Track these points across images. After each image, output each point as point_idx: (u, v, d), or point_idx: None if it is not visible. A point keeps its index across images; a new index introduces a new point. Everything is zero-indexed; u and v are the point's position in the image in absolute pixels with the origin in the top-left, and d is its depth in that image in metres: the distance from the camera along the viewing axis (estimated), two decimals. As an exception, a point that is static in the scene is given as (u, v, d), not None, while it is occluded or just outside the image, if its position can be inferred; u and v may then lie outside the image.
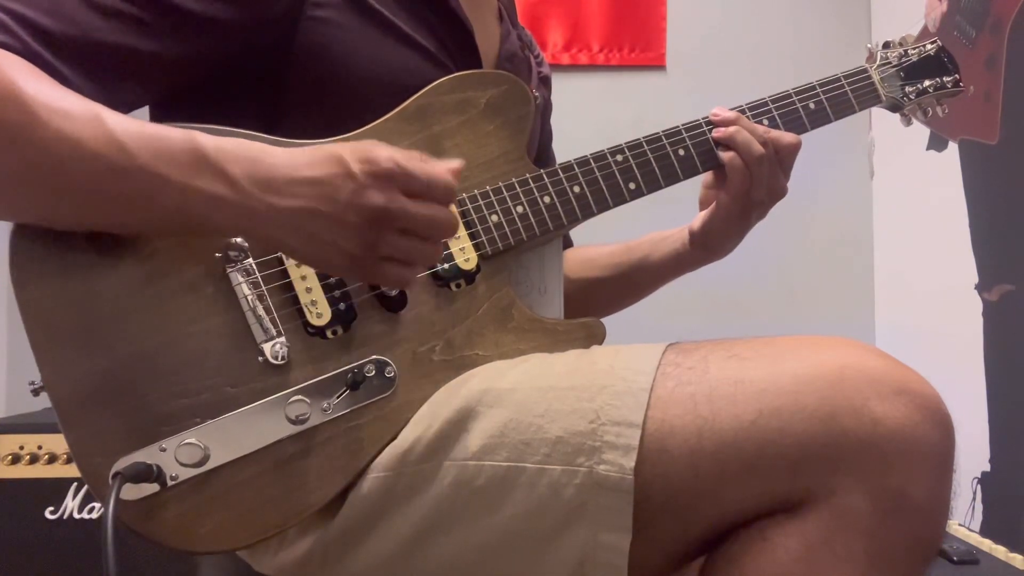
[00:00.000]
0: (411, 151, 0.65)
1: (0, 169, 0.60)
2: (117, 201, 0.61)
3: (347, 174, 0.62)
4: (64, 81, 0.64)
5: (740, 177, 0.85)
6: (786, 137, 0.86)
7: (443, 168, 0.65)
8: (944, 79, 0.97)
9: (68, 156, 0.59)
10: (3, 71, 0.59)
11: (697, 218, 0.93)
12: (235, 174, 0.62)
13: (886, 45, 0.98)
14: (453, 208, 0.70)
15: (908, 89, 0.96)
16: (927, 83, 0.96)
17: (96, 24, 0.66)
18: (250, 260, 0.68)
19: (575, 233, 1.04)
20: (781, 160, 0.86)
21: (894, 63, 0.96)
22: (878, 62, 0.96)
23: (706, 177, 0.92)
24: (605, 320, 0.82)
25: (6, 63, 0.60)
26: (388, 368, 0.71)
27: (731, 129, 0.85)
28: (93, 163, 0.60)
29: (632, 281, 1.01)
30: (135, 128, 0.61)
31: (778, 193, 0.88)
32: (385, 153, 0.63)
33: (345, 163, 0.62)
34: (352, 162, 0.62)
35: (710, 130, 0.86)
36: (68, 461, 1.56)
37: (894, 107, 0.97)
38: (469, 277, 0.77)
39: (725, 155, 0.85)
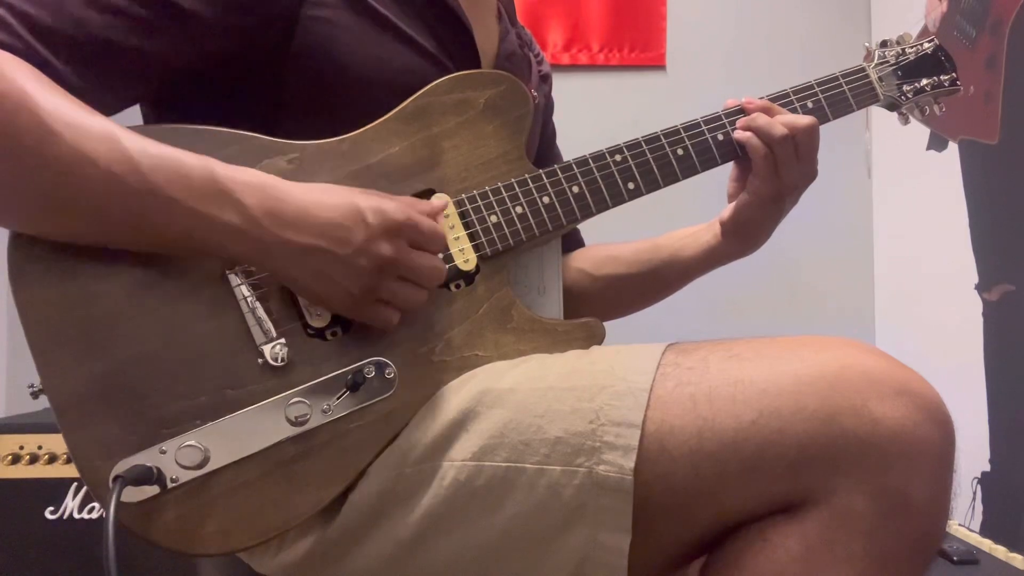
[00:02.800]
0: (409, 198, 0.71)
1: (12, 183, 0.60)
2: (127, 222, 0.62)
3: (363, 222, 0.66)
4: (62, 78, 0.64)
5: (764, 159, 0.85)
6: (802, 119, 0.86)
7: (434, 209, 0.72)
8: (941, 78, 0.97)
9: (82, 174, 0.60)
10: (14, 81, 0.59)
11: (727, 209, 0.92)
12: (249, 205, 0.64)
13: (884, 44, 0.98)
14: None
15: (906, 88, 0.95)
16: (924, 82, 0.96)
17: (95, 22, 0.66)
18: (249, 262, 0.68)
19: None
20: (800, 142, 0.86)
21: (891, 62, 0.95)
22: (876, 61, 0.95)
23: (732, 170, 0.93)
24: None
25: (15, 71, 0.60)
26: (388, 369, 0.71)
27: (750, 117, 0.86)
28: (106, 182, 0.60)
29: (660, 277, 1.00)
30: (151, 150, 0.62)
31: (810, 176, 0.88)
32: (397, 207, 0.68)
33: (361, 212, 0.66)
34: (367, 211, 0.66)
35: (708, 129, 0.87)
36: (68, 461, 1.55)
37: (892, 106, 0.97)
38: (468, 278, 0.77)
39: (743, 136, 0.85)
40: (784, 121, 0.85)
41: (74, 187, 0.60)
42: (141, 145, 0.62)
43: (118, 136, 0.61)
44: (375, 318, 0.69)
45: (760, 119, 0.85)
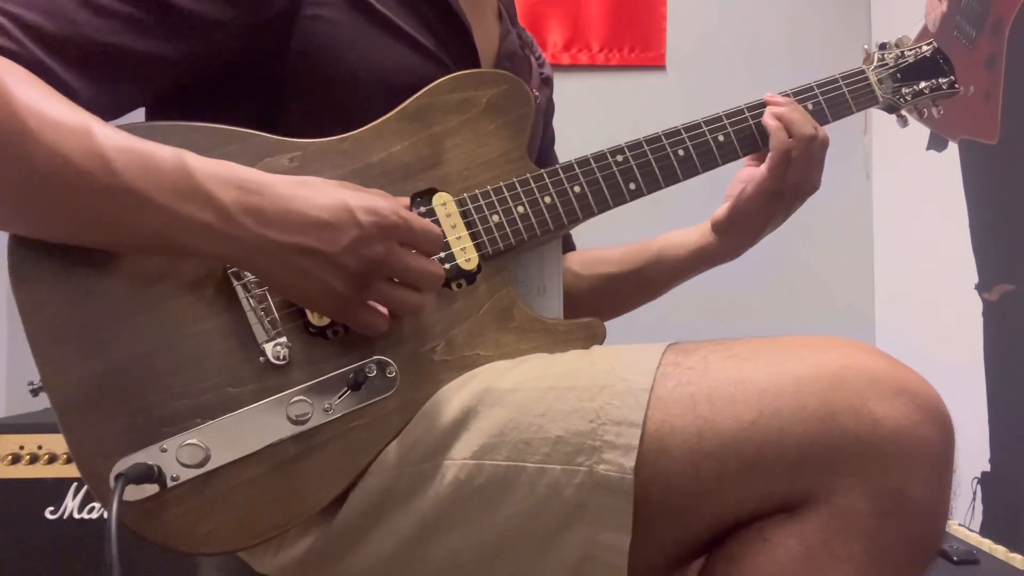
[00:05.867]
0: (403, 198, 0.69)
1: None
2: (101, 219, 0.60)
3: (353, 222, 0.64)
4: (61, 83, 0.64)
5: (782, 153, 0.85)
6: (823, 130, 0.88)
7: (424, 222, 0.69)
8: (940, 80, 0.97)
9: (54, 171, 0.58)
10: None
11: (721, 208, 0.93)
12: (224, 202, 0.61)
13: (882, 47, 0.98)
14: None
15: (904, 91, 0.96)
16: (923, 84, 0.97)
17: (94, 25, 0.65)
18: (251, 260, 0.68)
19: (576, 235, 1.05)
20: (815, 150, 0.87)
21: (890, 65, 0.96)
22: (875, 64, 0.96)
23: (741, 171, 0.93)
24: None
25: (2, 68, 0.59)
26: (389, 368, 0.71)
27: (784, 108, 0.87)
28: (78, 179, 0.58)
29: (647, 277, 1.00)
30: (124, 145, 0.60)
31: (811, 186, 0.89)
32: (388, 205, 0.65)
33: (351, 211, 0.64)
34: (358, 211, 0.64)
35: (710, 130, 0.87)
36: (68, 461, 1.55)
37: (890, 108, 0.98)
38: (470, 277, 0.77)
39: (773, 124, 0.86)
40: (815, 123, 0.87)
41: (46, 184, 0.58)
42: (115, 140, 0.60)
43: (92, 131, 0.59)
44: (363, 322, 0.68)
45: (795, 113, 0.86)
